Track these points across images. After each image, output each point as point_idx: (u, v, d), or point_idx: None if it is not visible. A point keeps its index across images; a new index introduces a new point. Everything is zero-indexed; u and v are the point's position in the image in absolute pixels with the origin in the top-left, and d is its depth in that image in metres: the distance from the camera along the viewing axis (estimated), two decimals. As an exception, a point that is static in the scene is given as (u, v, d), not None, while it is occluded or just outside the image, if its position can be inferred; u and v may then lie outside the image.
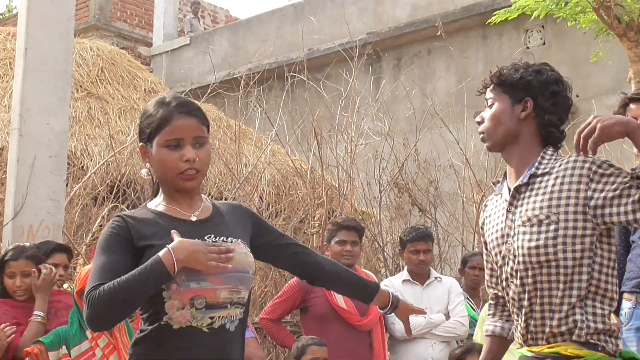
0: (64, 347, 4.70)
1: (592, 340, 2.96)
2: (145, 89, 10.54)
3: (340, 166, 8.40)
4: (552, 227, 3.00)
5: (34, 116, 6.66)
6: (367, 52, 9.83)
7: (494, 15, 9.97)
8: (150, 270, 2.80)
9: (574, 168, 3.00)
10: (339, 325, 5.86)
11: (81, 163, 8.48)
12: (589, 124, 2.94)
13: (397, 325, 6.04)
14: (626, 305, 4.59)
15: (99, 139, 9.09)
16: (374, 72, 12.50)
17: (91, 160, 8.50)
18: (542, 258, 3.01)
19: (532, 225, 3.06)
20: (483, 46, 13.38)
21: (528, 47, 12.81)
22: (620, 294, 4.61)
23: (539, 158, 3.12)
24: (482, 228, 3.37)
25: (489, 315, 3.49)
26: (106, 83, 10.19)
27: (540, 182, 3.08)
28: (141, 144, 3.11)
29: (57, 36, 6.88)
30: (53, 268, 5.13)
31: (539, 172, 3.09)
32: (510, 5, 9.62)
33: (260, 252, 3.26)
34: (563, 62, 12.59)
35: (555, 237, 3.00)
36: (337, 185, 8.31)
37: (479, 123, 3.27)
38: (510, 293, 3.14)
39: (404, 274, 6.34)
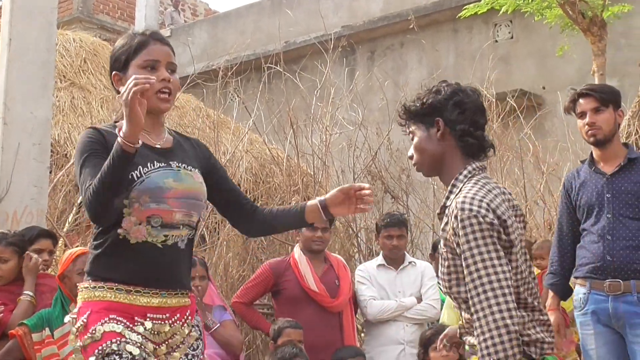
0: (47, 329, 4.74)
1: None
2: (126, 80, 10.49)
3: (315, 154, 8.42)
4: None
5: (18, 105, 6.64)
6: (342, 44, 9.85)
7: (464, 9, 10.05)
8: (114, 155, 2.94)
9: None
10: (311, 307, 5.90)
11: (64, 150, 8.47)
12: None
13: (369, 309, 6.11)
14: (580, 290, 4.64)
15: (81, 127, 9.06)
16: (348, 64, 12.53)
17: (74, 148, 8.48)
18: None
19: None
20: (454, 39, 13.43)
21: (496, 41, 12.88)
22: (573, 278, 4.71)
23: (449, 186, 3.22)
24: None
25: None
26: (89, 73, 10.16)
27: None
28: (114, 72, 3.26)
29: (40, 27, 6.85)
30: (38, 258, 5.14)
31: (447, 203, 3.19)
32: (479, 0, 9.68)
33: (209, 190, 3.41)
34: (530, 55, 12.70)
35: None
36: (312, 173, 8.33)
37: (410, 158, 3.37)
38: None
39: (379, 259, 6.37)
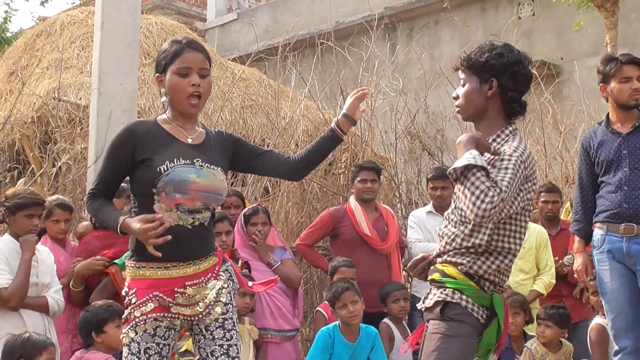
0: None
1: None
2: (200, 56, 10.48)
3: (362, 118, 8.36)
4: None
5: (110, 78, 6.69)
6: (385, 23, 9.75)
7: (492, -10, 9.82)
8: (110, 221, 3.17)
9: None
10: (364, 249, 5.89)
11: (148, 117, 8.49)
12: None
13: (413, 250, 6.07)
14: (598, 232, 4.57)
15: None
16: (390, 39, 12.38)
17: (156, 114, 8.49)
18: None
19: None
20: (482, 17, 13.19)
21: (520, 18, 12.61)
22: (593, 223, 4.63)
23: (497, 133, 3.19)
24: None
25: None
26: (168, 51, 10.15)
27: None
28: (157, 74, 3.25)
29: (127, 12, 6.88)
30: None
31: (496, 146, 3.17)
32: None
33: (243, 165, 3.50)
34: (550, 30, 12.43)
35: None
36: (359, 134, 8.28)
37: (455, 99, 3.30)
38: None
39: (429, 207, 6.34)
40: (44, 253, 4.72)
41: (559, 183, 8.31)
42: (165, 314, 3.20)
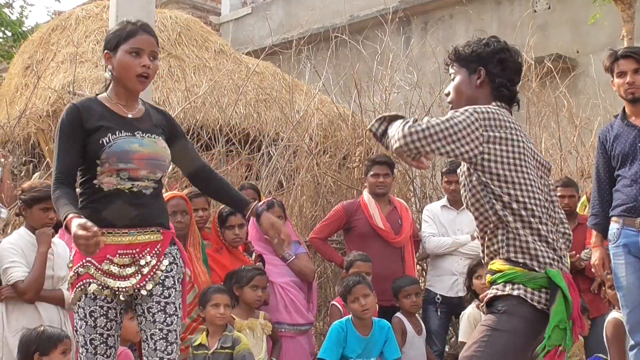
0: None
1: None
2: (215, 50, 10.49)
3: (376, 111, 8.35)
4: None
5: (124, 72, 6.68)
6: (399, 17, 9.71)
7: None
8: (61, 215, 3.15)
9: None
10: (377, 242, 5.88)
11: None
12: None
13: (427, 244, 6.10)
14: (614, 226, 4.54)
15: (177, 91, 9.11)
16: (404, 33, 12.37)
17: (171, 108, 8.53)
18: None
19: None
20: (497, 10, 13.12)
21: (535, 11, 12.53)
22: (610, 217, 4.60)
23: None
24: None
25: None
26: (183, 45, 10.17)
27: None
28: (106, 51, 3.38)
29: (141, 7, 6.86)
30: None
31: None
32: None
33: (172, 151, 3.52)
34: (565, 23, 12.35)
35: None
36: (374, 128, 8.24)
37: (447, 95, 3.32)
38: None
39: (443, 201, 6.33)
40: (60, 246, 4.73)
41: (575, 177, 8.25)
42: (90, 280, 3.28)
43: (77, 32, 9.69)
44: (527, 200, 3.03)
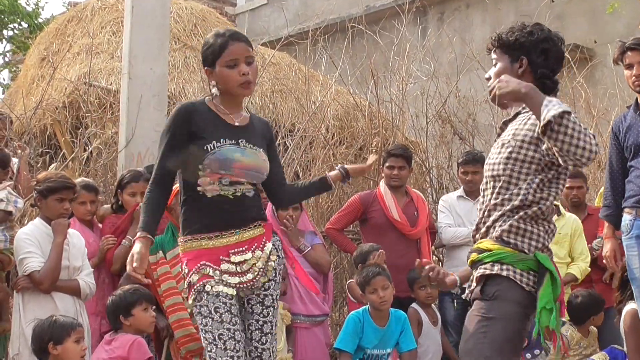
0: (160, 252, 4.76)
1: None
2: (230, 41, 10.48)
3: (393, 102, 8.34)
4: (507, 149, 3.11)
5: (140, 62, 6.72)
6: (416, 6, 9.66)
7: (524, -27, 9.69)
8: (140, 221, 3.42)
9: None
10: (393, 234, 5.87)
11: (179, 101, 8.50)
12: (493, 86, 3.05)
13: (443, 234, 6.09)
14: (627, 217, 4.50)
15: (193, 82, 9.10)
16: (421, 23, 12.30)
17: (187, 99, 8.51)
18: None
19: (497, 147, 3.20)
20: (514, 0, 13.04)
21: (552, 1, 12.42)
22: (622, 208, 4.56)
23: (521, 107, 3.19)
24: None
25: None
26: (199, 36, 10.13)
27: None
28: (206, 68, 3.49)
29: (157, -3, 6.90)
30: None
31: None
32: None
33: None
34: (584, 13, 12.26)
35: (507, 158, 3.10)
36: (390, 118, 8.23)
37: (488, 80, 3.31)
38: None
39: (460, 191, 6.31)
40: (75, 237, 4.75)
41: (591, 167, 8.22)
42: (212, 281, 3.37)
43: (92, 23, 9.69)
44: (551, 192, 3.11)
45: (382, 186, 6.02)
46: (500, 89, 2.99)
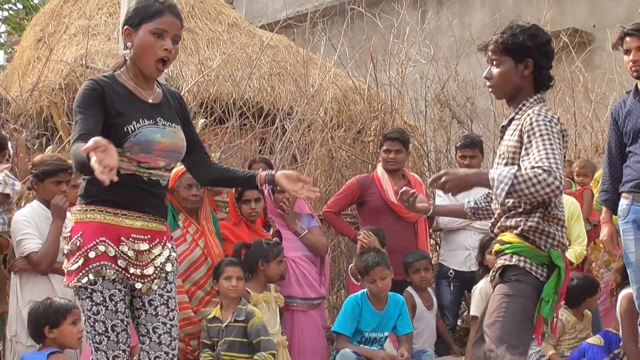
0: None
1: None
2: (228, 23, 10.44)
3: (392, 85, 8.32)
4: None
5: (137, 44, 6.65)
6: (415, -11, 9.66)
7: (524, -45, 9.65)
8: (78, 157, 2.81)
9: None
10: (390, 217, 5.87)
11: (176, 83, 8.49)
12: (439, 177, 3.22)
13: (440, 218, 6.10)
14: (624, 202, 4.52)
15: (190, 64, 9.07)
16: (420, 6, 12.27)
17: (185, 81, 8.50)
18: None
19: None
20: (514, -17, 13.03)
21: (553, -16, 12.41)
22: (620, 193, 4.58)
23: (523, 102, 3.38)
24: None
25: None
26: (196, 18, 10.12)
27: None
28: (127, 26, 3.15)
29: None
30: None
31: (516, 117, 3.37)
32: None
33: None
34: (583, -3, 12.24)
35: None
36: (389, 102, 8.23)
37: (488, 78, 3.44)
38: None
39: None
40: (73, 219, 4.74)
41: (589, 152, 8.24)
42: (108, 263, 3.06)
43: (89, 4, 9.66)
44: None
45: (379, 169, 6.03)
46: (452, 188, 3.21)
